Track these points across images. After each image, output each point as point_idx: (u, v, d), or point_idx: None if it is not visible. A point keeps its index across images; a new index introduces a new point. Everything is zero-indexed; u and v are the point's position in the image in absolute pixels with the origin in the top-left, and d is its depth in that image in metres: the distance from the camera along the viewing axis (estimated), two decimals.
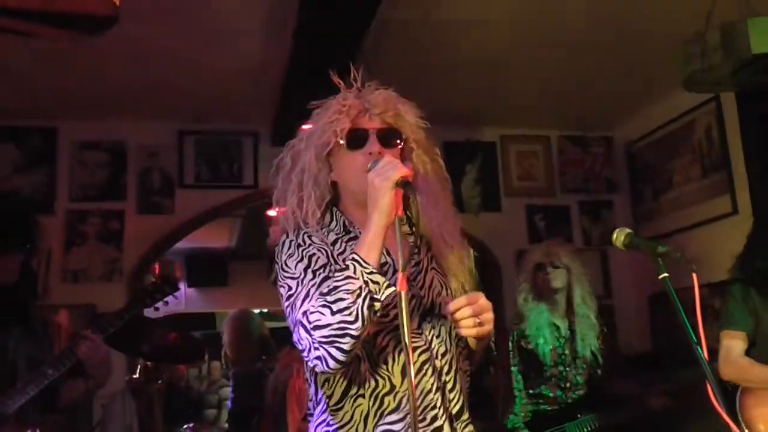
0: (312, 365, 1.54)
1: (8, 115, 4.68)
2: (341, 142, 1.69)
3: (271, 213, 1.79)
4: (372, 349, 1.61)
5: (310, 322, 1.49)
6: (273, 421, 3.83)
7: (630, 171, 5.51)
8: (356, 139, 1.69)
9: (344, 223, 1.74)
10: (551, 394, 3.38)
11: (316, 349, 1.49)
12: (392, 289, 1.49)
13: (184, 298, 8.78)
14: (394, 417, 1.59)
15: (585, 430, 3.32)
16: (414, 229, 1.74)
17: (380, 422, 1.59)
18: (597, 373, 3.42)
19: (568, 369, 3.37)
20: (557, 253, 3.50)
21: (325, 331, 1.47)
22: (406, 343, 1.37)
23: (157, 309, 2.89)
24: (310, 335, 1.49)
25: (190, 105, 4.76)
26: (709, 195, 4.65)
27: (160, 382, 4.78)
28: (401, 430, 1.58)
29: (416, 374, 1.59)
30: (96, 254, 4.75)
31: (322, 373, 1.58)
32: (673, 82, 3.22)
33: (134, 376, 4.43)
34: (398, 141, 1.70)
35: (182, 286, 8.84)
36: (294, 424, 3.24)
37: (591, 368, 3.41)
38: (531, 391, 3.39)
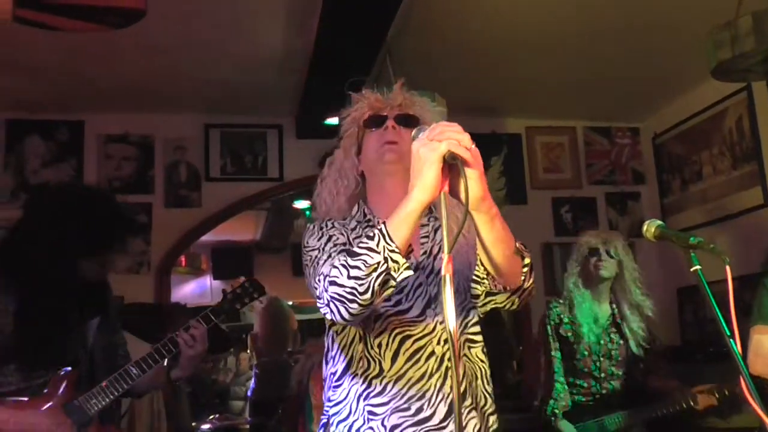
0: (323, 312, 1.55)
1: (36, 108, 4.74)
2: (361, 123, 1.80)
3: (297, 205, 1.84)
4: (370, 331, 1.66)
5: (329, 276, 1.49)
6: (298, 410, 3.87)
7: (657, 162, 5.43)
8: (374, 120, 1.80)
9: (364, 211, 1.81)
10: (585, 384, 3.33)
11: (328, 302, 1.50)
12: (410, 272, 1.46)
13: (210, 290, 8.86)
14: (377, 400, 1.64)
15: (624, 423, 3.26)
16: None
17: (367, 403, 1.65)
18: (638, 366, 3.36)
19: (602, 359, 3.32)
20: (614, 242, 3.38)
21: (337, 290, 1.47)
22: (450, 331, 1.24)
23: (242, 309, 2.89)
24: (326, 288, 1.50)
25: (216, 98, 4.79)
26: (739, 187, 4.57)
27: None
28: (383, 413, 1.63)
29: (405, 362, 1.64)
30: None
31: (333, 322, 1.59)
32: (702, 71, 3.16)
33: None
34: (416, 124, 1.72)
35: (208, 278, 8.97)
36: (318, 408, 3.27)
37: (628, 361, 3.35)
38: (570, 380, 3.35)
